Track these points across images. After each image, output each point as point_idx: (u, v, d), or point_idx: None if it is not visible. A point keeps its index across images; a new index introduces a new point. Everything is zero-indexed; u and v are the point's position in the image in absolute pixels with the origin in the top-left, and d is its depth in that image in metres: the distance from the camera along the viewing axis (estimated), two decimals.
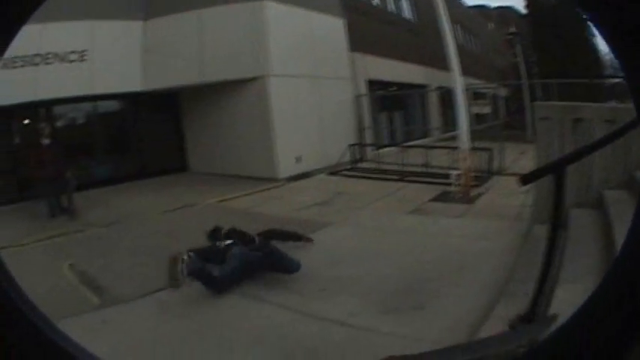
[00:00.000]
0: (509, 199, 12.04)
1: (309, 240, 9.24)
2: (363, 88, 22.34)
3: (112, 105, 19.41)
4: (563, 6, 31.16)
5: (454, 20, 18.05)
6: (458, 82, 13.73)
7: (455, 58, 13.69)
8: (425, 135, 25.65)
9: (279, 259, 7.48)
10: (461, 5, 38.35)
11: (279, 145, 17.32)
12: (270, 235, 9.02)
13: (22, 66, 15.04)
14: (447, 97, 22.79)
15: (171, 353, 5.47)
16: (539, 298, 4.58)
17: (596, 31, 1.23)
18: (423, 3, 27.82)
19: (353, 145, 19.94)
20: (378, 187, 15.11)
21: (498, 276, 6.63)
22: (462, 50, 18.68)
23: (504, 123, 23.94)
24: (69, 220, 12.78)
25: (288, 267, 7.36)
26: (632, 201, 6.29)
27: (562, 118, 8.36)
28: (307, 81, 18.70)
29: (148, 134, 19.65)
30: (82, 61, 16.51)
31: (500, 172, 15.79)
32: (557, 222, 4.47)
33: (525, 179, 4.80)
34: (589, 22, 1.28)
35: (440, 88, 26.31)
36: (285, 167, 17.38)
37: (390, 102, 25.72)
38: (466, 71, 15.34)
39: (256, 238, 8.18)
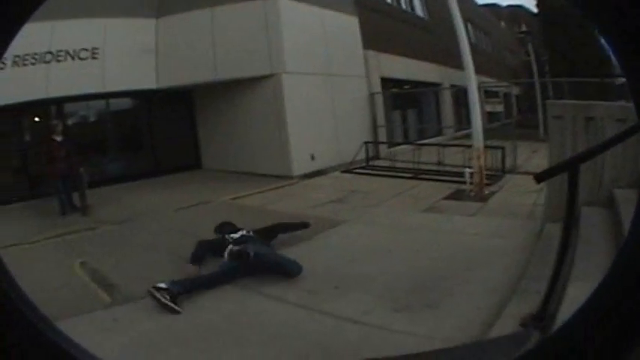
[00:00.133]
0: (522, 197, 12.04)
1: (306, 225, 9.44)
2: (377, 86, 22.31)
3: (125, 102, 19.49)
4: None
5: (466, 18, 17.99)
6: (472, 80, 13.67)
7: (468, 56, 13.63)
8: (438, 133, 25.57)
9: (276, 263, 7.50)
10: (472, 3, 38.21)
11: (293, 143, 17.30)
12: (274, 229, 9.10)
13: (34, 64, 15.13)
14: (460, 95, 22.81)
15: (184, 351, 5.49)
16: (551, 296, 4.60)
17: None
18: (434, 1, 27.82)
19: (367, 142, 19.91)
20: (392, 184, 15.09)
21: (511, 274, 6.64)
22: (474, 48, 18.63)
23: (516, 121, 23.79)
24: (82, 216, 12.83)
25: (289, 270, 7.36)
26: None
27: (574, 117, 8.34)
28: (321, 79, 18.68)
29: (162, 132, 19.69)
30: (94, 58, 16.56)
31: (512, 171, 15.75)
32: (570, 220, 4.49)
33: (539, 177, 4.83)
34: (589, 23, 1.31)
35: (453, 86, 26.28)
36: (299, 165, 17.38)
37: (404, 100, 25.67)
38: (478, 69, 15.26)
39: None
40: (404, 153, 18.85)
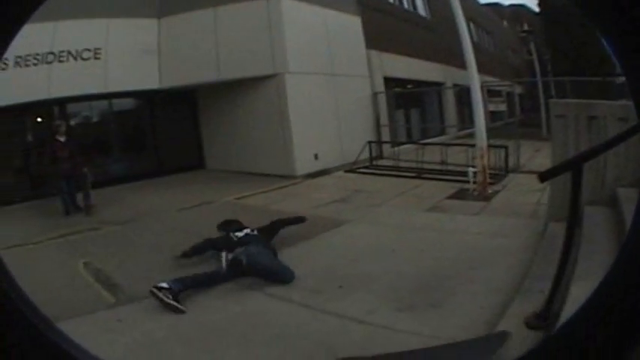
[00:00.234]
0: (526, 196, 12.05)
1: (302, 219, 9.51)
2: (380, 86, 22.32)
3: (128, 103, 19.53)
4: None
5: (468, 17, 17.98)
6: (474, 79, 13.67)
7: (471, 55, 13.62)
8: (441, 132, 25.59)
9: (269, 271, 7.48)
10: (475, 2, 38.20)
11: (296, 143, 17.32)
12: (274, 227, 9.12)
13: (36, 64, 15.16)
14: (463, 94, 22.80)
15: (189, 351, 5.50)
16: (555, 295, 4.61)
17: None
18: (436, 0, 27.85)
19: (370, 142, 19.89)
20: (395, 184, 15.10)
21: (514, 273, 6.64)
22: (476, 48, 18.63)
23: (519, 120, 23.76)
24: (85, 216, 12.87)
25: (281, 278, 7.34)
26: None
27: (577, 116, 8.34)
28: (324, 78, 18.70)
29: (165, 132, 19.71)
30: (97, 59, 16.59)
31: (516, 170, 15.76)
32: (573, 219, 4.50)
33: (543, 176, 4.85)
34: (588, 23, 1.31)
35: (456, 85, 26.29)
36: (303, 164, 17.40)
37: (407, 99, 25.68)
38: (481, 69, 15.27)
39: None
40: (407, 152, 18.85)
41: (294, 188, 15.62)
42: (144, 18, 17.69)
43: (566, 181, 4.74)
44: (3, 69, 13.86)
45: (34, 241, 10.52)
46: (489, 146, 13.91)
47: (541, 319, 4.78)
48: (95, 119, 18.83)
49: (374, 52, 21.89)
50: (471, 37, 16.21)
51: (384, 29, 22.92)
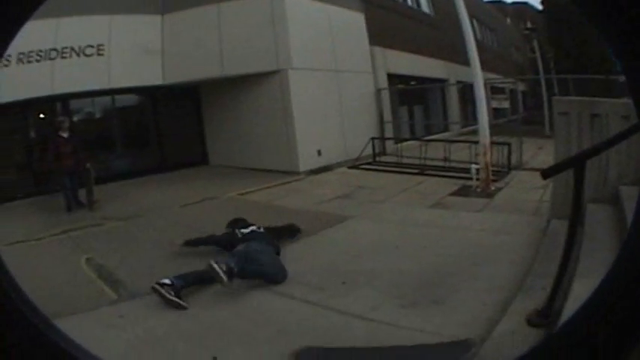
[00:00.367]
0: (528, 193, 12.06)
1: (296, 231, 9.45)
2: (384, 82, 22.30)
3: (131, 99, 19.53)
4: None
5: (471, 15, 17.96)
6: (478, 76, 13.63)
7: (474, 52, 13.60)
8: (445, 129, 25.64)
9: (262, 275, 7.45)
10: (478, 0, 38.16)
11: (299, 139, 17.33)
12: (289, 228, 9.13)
13: (38, 60, 15.18)
14: (466, 91, 22.82)
15: (191, 347, 5.50)
16: (557, 293, 4.62)
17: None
18: None
19: (374, 138, 19.88)
20: (399, 180, 15.11)
21: (516, 270, 6.64)
22: (479, 45, 18.61)
23: (522, 118, 23.75)
24: (89, 211, 12.88)
25: (273, 278, 7.32)
26: None
27: (580, 113, 8.34)
28: (327, 75, 18.70)
29: (168, 128, 19.77)
30: (100, 55, 16.62)
31: (518, 167, 15.75)
32: (576, 216, 4.51)
33: (546, 173, 4.86)
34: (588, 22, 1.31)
35: (459, 82, 26.26)
36: (306, 160, 17.41)
37: (410, 96, 25.57)
38: (484, 66, 15.22)
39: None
40: (410, 149, 18.81)
41: (297, 184, 15.60)
42: (147, 14, 17.69)
43: (569, 178, 4.75)
44: (6, 66, 13.86)
45: (37, 237, 10.54)
46: (492, 143, 13.88)
47: (543, 317, 4.78)
48: (98, 115, 18.84)
49: (377, 49, 21.86)
50: (475, 34, 16.18)
51: (388, 26, 22.90)
